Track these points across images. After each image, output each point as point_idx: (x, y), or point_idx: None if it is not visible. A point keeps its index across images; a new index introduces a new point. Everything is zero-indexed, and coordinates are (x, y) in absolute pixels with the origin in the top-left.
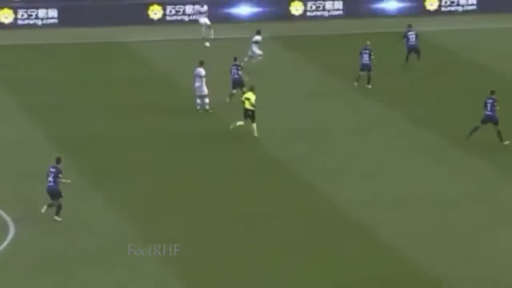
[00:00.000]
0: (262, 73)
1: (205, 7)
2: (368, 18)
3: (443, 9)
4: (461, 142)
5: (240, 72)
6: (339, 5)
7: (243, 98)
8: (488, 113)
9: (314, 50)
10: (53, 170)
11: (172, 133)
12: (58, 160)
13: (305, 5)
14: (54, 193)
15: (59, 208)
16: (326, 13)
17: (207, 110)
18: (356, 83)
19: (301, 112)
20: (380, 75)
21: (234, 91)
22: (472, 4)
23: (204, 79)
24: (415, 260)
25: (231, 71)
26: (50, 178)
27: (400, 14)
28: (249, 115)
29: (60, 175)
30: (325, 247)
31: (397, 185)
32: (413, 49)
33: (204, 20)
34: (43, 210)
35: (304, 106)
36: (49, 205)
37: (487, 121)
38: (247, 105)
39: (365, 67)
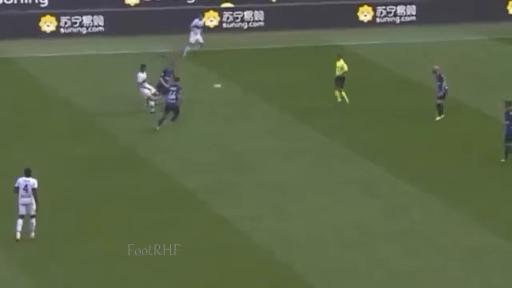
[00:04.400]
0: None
1: (202, 21)
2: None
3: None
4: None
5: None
6: (260, 16)
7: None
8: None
9: (229, 66)
10: (174, 88)
11: (69, 159)
12: (178, 79)
13: (221, 16)
14: (176, 108)
15: (176, 117)
16: (245, 25)
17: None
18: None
19: (209, 137)
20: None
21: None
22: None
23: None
24: None
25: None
26: (173, 96)
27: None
28: (340, 83)
29: (181, 91)
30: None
31: (314, 220)
32: None
33: (198, 37)
34: (157, 128)
35: (213, 129)
36: (173, 119)
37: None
38: (339, 72)
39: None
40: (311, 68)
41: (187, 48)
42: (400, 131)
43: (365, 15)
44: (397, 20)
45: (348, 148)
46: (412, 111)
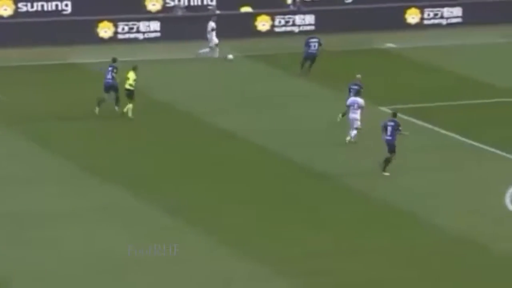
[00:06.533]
0: None
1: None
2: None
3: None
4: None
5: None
6: None
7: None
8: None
9: None
10: (111, 68)
11: None
12: (115, 60)
13: None
14: (115, 87)
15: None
16: None
17: None
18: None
19: None
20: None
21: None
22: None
23: None
24: None
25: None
26: (109, 75)
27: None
28: (126, 94)
29: (400, 128)
30: None
31: (57, 250)
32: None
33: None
34: (97, 111)
35: None
36: (116, 102)
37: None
38: (126, 85)
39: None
40: (46, 87)
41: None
42: (148, 153)
43: (106, 32)
44: (140, 36)
45: (90, 172)
46: (160, 133)
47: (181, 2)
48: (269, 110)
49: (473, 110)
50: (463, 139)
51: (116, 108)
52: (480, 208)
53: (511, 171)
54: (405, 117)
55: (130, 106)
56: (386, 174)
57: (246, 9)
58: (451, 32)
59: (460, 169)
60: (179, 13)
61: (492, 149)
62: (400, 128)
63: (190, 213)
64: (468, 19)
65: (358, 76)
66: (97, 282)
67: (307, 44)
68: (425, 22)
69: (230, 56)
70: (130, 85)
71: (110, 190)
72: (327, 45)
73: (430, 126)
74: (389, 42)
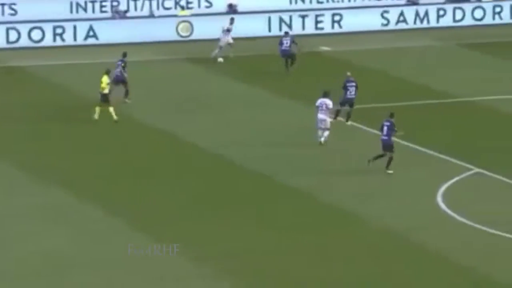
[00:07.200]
0: None
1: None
2: None
3: None
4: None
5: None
6: None
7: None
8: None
9: None
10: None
11: None
12: (125, 54)
13: None
14: (124, 81)
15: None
16: None
17: None
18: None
19: None
20: None
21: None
22: None
23: None
24: None
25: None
26: (119, 68)
27: None
28: (101, 99)
29: (395, 128)
30: None
31: None
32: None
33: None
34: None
35: None
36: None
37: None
38: (100, 89)
39: (349, 101)
40: None
41: (217, 51)
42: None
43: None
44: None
45: (29, 172)
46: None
47: (120, 6)
48: (206, 111)
49: (409, 112)
50: (399, 141)
51: (127, 100)
52: (415, 208)
53: (445, 172)
54: (343, 120)
55: (111, 109)
56: (390, 172)
57: (184, 13)
58: (386, 35)
59: (397, 171)
60: (117, 17)
61: (424, 150)
62: (395, 128)
63: (131, 214)
64: (403, 23)
65: (349, 73)
66: (37, 282)
67: (280, 43)
68: (361, 25)
69: (220, 59)
70: (103, 88)
71: (50, 190)
72: (262, 49)
73: (366, 128)
74: (324, 46)
